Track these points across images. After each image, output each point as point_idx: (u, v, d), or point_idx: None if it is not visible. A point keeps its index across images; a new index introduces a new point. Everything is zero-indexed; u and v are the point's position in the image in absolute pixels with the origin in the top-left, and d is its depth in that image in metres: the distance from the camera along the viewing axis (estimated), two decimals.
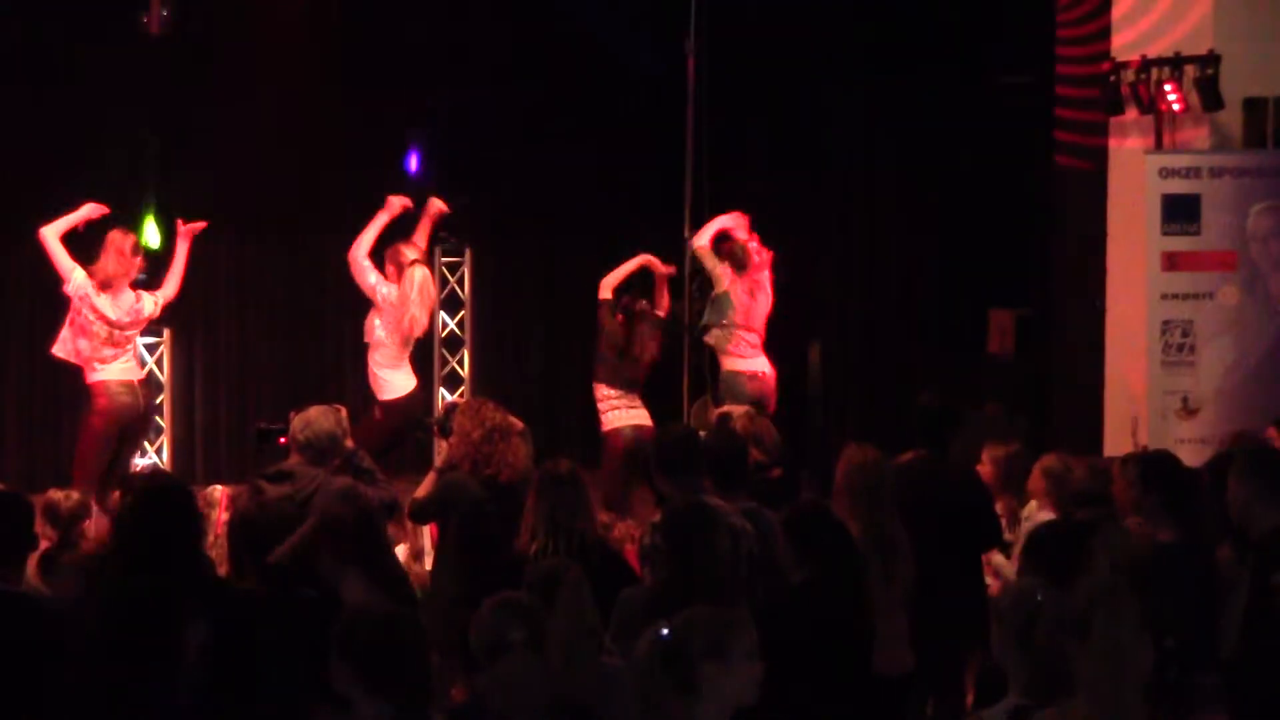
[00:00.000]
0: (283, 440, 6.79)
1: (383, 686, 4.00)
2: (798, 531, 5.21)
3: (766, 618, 4.40)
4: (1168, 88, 10.85)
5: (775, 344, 11.96)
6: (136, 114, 12.48)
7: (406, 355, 9.55)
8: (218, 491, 7.10)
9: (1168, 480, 5.77)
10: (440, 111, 13.65)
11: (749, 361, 10.22)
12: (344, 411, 6.85)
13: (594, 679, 4.48)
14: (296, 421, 6.65)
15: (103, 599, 4.97)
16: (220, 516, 6.94)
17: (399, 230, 9.92)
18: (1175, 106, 10.86)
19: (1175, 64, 10.86)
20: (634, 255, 10.17)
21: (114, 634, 4.78)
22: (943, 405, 7.19)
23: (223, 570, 6.11)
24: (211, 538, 6.81)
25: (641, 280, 10.22)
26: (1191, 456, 7.93)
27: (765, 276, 10.29)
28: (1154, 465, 5.96)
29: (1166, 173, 10.71)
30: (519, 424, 7.06)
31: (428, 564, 7.24)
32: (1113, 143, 11.36)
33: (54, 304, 11.15)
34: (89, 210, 9.46)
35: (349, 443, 6.74)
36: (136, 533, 5.14)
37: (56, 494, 6.83)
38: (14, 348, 12.44)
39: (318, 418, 6.62)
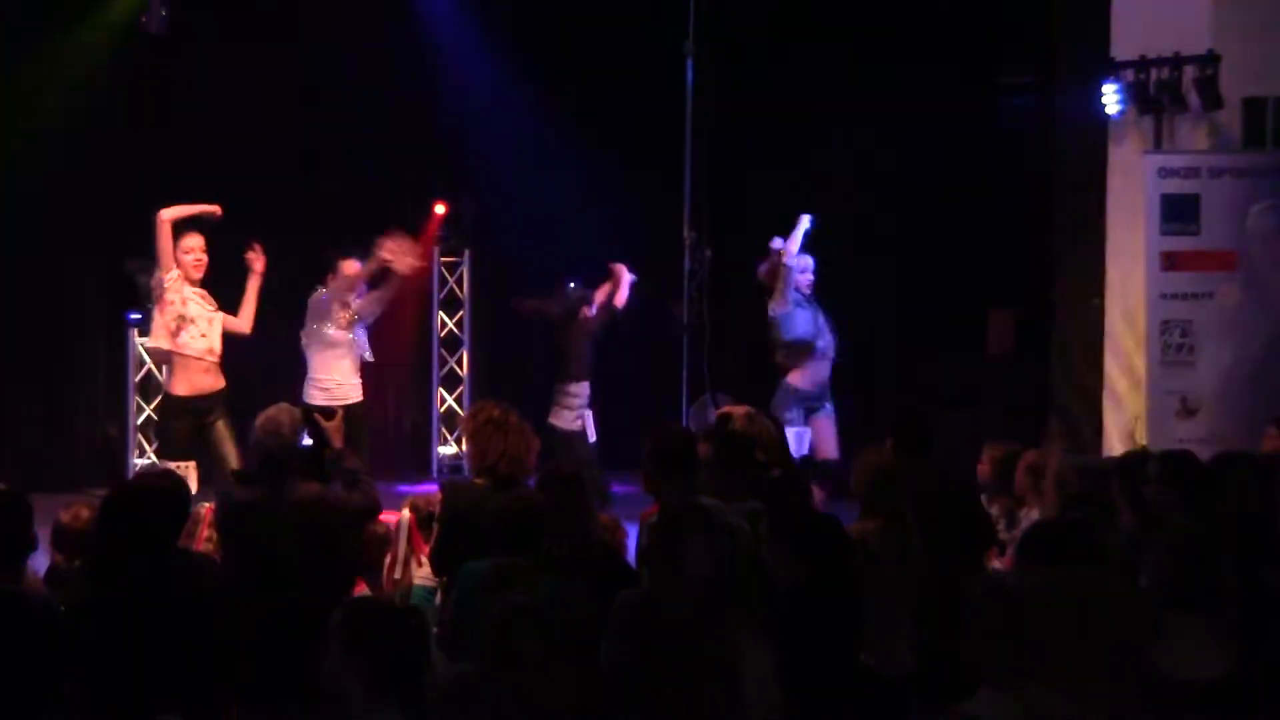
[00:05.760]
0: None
1: (390, 685, 3.91)
2: (789, 535, 5.18)
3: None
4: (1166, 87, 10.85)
5: None
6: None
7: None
8: (203, 508, 7.04)
9: (1188, 477, 5.76)
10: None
11: None
12: (297, 412, 6.85)
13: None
14: (259, 423, 6.59)
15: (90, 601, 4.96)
16: (203, 533, 6.88)
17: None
18: (1174, 106, 10.86)
19: (1174, 64, 10.86)
20: (629, 255, 10.16)
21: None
22: (919, 411, 7.21)
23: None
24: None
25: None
26: None
27: None
28: (1175, 462, 5.96)
29: (1166, 173, 10.71)
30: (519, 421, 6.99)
31: (410, 572, 7.14)
32: (1112, 143, 11.35)
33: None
34: (208, 209, 9.80)
35: (338, 442, 6.69)
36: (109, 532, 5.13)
37: (64, 514, 6.63)
38: (12, 348, 12.42)
39: (276, 418, 6.58)
